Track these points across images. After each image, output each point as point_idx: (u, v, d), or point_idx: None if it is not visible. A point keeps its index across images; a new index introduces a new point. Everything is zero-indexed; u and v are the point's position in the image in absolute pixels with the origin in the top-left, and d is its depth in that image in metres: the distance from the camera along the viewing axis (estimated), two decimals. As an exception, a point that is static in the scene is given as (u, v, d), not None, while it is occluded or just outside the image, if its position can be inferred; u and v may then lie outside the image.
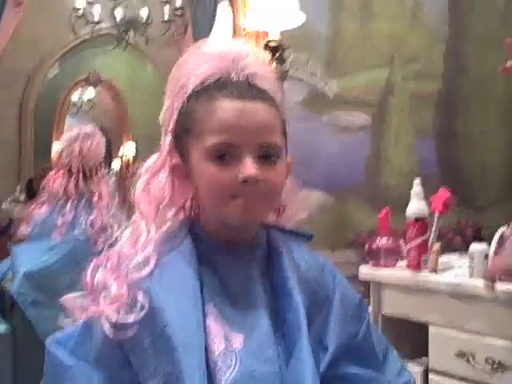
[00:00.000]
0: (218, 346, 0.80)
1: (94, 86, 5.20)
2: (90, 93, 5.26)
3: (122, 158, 5.56)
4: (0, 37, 4.44)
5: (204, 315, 0.83)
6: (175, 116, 0.91)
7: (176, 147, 0.91)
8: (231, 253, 0.90)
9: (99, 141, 2.47)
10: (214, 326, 0.82)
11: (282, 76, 2.55)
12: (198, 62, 0.91)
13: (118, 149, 5.71)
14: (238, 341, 0.82)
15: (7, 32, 4.52)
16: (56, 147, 2.51)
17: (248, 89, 0.88)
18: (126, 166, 5.33)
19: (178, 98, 0.91)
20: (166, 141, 0.93)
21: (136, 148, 5.72)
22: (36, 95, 4.66)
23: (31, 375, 1.76)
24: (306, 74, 2.96)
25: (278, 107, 0.92)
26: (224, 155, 0.85)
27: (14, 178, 4.66)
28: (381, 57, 2.96)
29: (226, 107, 0.86)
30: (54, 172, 2.40)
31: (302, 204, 1.00)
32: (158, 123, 0.96)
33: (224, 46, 0.93)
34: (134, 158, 5.47)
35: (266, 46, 2.69)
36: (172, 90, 0.93)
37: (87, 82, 5.12)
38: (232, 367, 0.79)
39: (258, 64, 0.93)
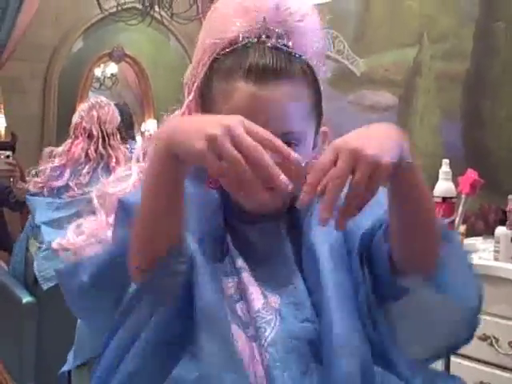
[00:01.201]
0: (256, 302, 0.78)
1: (118, 62, 5.19)
2: (113, 68, 5.26)
3: (143, 134, 5.57)
4: (25, 11, 4.45)
5: (235, 268, 0.81)
6: (198, 82, 0.87)
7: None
8: (256, 221, 0.86)
9: (114, 109, 2.58)
10: (251, 282, 0.79)
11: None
12: (232, 14, 0.85)
13: (140, 125, 5.73)
14: (274, 301, 0.80)
15: (32, 6, 4.53)
16: (74, 117, 2.55)
17: (276, 60, 0.80)
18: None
19: (203, 60, 0.87)
20: (185, 102, 0.91)
21: (158, 125, 5.73)
22: (60, 69, 4.67)
23: (54, 344, 1.78)
24: (333, 51, 2.92)
25: (312, 80, 0.84)
26: None
27: (38, 151, 4.70)
28: (409, 35, 2.91)
29: (243, 91, 0.79)
30: (72, 139, 2.46)
31: None
32: (180, 100, 0.94)
33: None
34: (156, 135, 5.46)
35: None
36: (201, 45, 0.88)
37: (111, 56, 5.11)
38: (272, 326, 0.76)
39: (300, 14, 0.84)
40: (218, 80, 0.84)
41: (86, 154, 2.41)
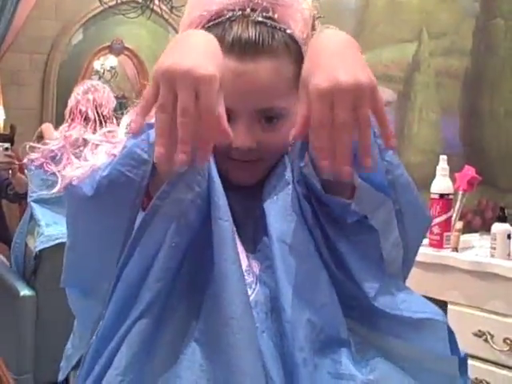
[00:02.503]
0: (242, 262, 0.77)
1: (117, 55, 5.19)
2: (112, 61, 5.26)
3: (142, 127, 5.56)
4: (24, 3, 4.44)
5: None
6: None
7: None
8: (241, 189, 0.86)
9: (108, 91, 2.57)
10: (238, 242, 0.79)
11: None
12: None
13: (139, 118, 5.71)
14: (254, 266, 0.80)
15: (32, -2, 4.53)
16: (70, 100, 2.53)
17: (259, 34, 0.80)
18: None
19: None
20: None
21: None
22: (59, 62, 4.67)
23: (52, 337, 1.79)
24: (332, 47, 2.92)
25: (296, 54, 0.84)
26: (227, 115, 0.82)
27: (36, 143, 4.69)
28: (409, 31, 2.91)
29: (224, 67, 0.76)
30: (69, 122, 2.45)
31: None
32: None
33: None
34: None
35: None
36: (188, 17, 0.88)
37: (110, 49, 5.11)
38: (253, 288, 0.77)
39: None
40: None
41: (84, 138, 2.39)
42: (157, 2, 3.83)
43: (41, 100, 4.68)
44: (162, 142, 0.64)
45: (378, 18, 3.04)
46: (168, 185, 0.73)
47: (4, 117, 4.34)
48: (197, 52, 0.67)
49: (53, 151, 2.39)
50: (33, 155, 2.38)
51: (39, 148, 2.41)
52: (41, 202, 2.32)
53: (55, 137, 2.47)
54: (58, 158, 2.36)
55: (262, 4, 0.84)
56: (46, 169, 2.33)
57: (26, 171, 2.48)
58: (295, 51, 0.85)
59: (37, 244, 2.24)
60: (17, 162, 2.83)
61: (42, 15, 4.56)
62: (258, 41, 0.81)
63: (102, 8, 4.17)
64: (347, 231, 0.79)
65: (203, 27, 0.84)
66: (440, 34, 2.82)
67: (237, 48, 0.80)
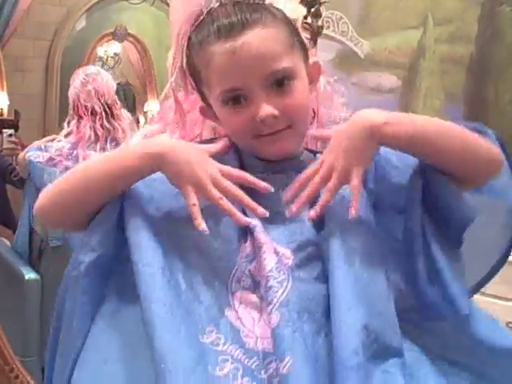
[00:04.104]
0: (269, 261, 0.77)
1: (121, 41, 5.17)
2: (115, 47, 5.24)
3: (146, 113, 5.57)
4: (28, -12, 4.43)
5: (250, 227, 0.82)
6: (179, 64, 0.90)
7: (199, 93, 0.91)
8: (275, 170, 0.88)
9: (106, 75, 2.53)
10: (264, 239, 0.80)
11: (317, 32, 2.51)
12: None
13: (143, 105, 5.72)
14: (287, 257, 0.80)
15: (35, -17, 4.51)
16: (70, 94, 2.50)
17: (240, 13, 0.82)
18: (150, 122, 5.34)
19: (179, 42, 0.89)
20: (168, 84, 0.94)
21: (160, 106, 5.72)
22: (63, 48, 4.66)
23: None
24: (337, 32, 2.91)
25: (282, 17, 0.86)
26: (238, 96, 0.83)
27: (39, 130, 4.69)
28: (414, 18, 2.89)
29: (217, 52, 0.82)
30: (76, 119, 2.42)
31: (336, 103, 0.98)
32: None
33: None
34: (159, 115, 5.48)
35: (302, 0, 2.65)
36: (173, 30, 0.92)
37: (114, 36, 5.10)
38: (285, 286, 0.76)
39: None
40: (196, 53, 0.86)
41: (95, 133, 2.38)
42: (161, -13, 3.82)
43: (44, 86, 4.68)
44: (296, 204, 0.82)
45: (383, 4, 3.03)
46: (76, 250, 0.83)
47: (8, 103, 4.34)
48: (351, 149, 0.81)
49: (65, 148, 2.38)
50: (43, 154, 2.37)
51: (51, 146, 2.40)
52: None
53: (65, 134, 2.45)
54: (73, 155, 2.36)
55: None
56: (65, 164, 2.32)
57: (29, 166, 2.44)
58: (281, 16, 0.86)
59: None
60: (21, 148, 2.83)
61: (46, 1, 4.55)
62: (241, 17, 0.82)
63: (105, -6, 4.16)
64: (446, 244, 0.82)
65: (190, 32, 0.87)
66: (445, 20, 2.81)
67: (223, 31, 0.82)
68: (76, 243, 0.87)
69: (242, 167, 0.88)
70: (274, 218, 0.83)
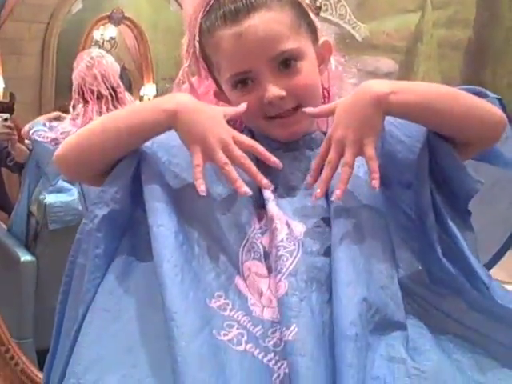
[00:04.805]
0: (280, 231, 0.79)
1: (117, 24, 5.13)
2: (112, 31, 5.20)
3: (142, 98, 5.54)
4: (23, -30, 4.38)
5: (262, 200, 0.84)
6: (193, 50, 0.94)
7: (212, 77, 0.93)
8: (288, 148, 0.90)
9: (110, 58, 2.53)
10: (276, 211, 0.82)
11: (315, 12, 2.50)
12: None
13: (139, 90, 5.69)
14: (298, 230, 0.82)
15: (30, -35, 4.46)
16: (74, 78, 2.48)
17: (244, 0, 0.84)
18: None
19: (191, 27, 0.92)
20: (182, 69, 0.97)
21: (156, 90, 5.70)
22: (59, 31, 4.62)
23: (52, 302, 1.80)
24: (335, 15, 2.90)
25: (286, 0, 0.88)
26: (246, 79, 0.86)
27: (35, 114, 4.67)
28: (412, 1, 2.89)
29: (225, 37, 0.85)
30: (83, 103, 2.41)
31: (346, 83, 0.99)
32: (179, 64, 0.98)
33: None
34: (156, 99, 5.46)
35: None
36: (186, 14, 0.95)
37: (110, 19, 5.05)
38: (294, 256, 0.78)
39: None
40: (206, 39, 0.90)
41: (100, 116, 2.38)
42: (157, -30, 3.78)
43: (40, 69, 4.64)
44: (320, 184, 0.82)
45: (381, -13, 3.02)
46: (91, 204, 0.86)
47: (3, 85, 4.32)
48: (362, 120, 0.81)
49: (72, 132, 2.36)
50: (48, 133, 2.35)
51: (56, 127, 2.39)
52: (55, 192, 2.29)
53: (71, 117, 2.44)
54: None
55: None
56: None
57: (33, 145, 2.42)
58: (287, 7, 0.88)
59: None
60: (16, 133, 2.82)
61: (42, -17, 4.51)
62: (246, 2, 0.85)
63: (101, -24, 4.12)
64: (457, 216, 0.84)
65: (201, 18, 0.89)
66: (444, 3, 2.80)
67: (229, 16, 0.85)
68: (92, 198, 0.88)
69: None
70: (288, 193, 0.86)
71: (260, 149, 0.83)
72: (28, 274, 2.18)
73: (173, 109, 0.83)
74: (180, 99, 0.85)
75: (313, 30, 0.92)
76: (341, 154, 0.81)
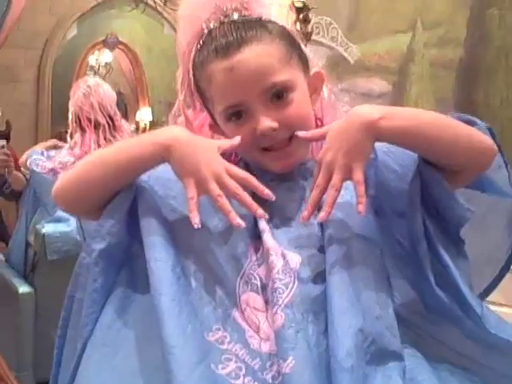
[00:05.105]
0: (276, 263, 0.79)
1: (112, 49, 5.17)
2: (107, 56, 5.24)
3: (138, 123, 5.56)
4: (18, -2, 4.42)
5: (258, 231, 0.84)
6: (187, 83, 0.94)
7: (208, 111, 0.94)
8: (283, 179, 0.90)
9: (107, 87, 2.53)
10: (272, 243, 0.82)
11: (306, 37, 2.52)
12: (190, 19, 0.92)
13: (135, 114, 5.71)
14: (294, 261, 0.82)
15: (25, -7, 4.50)
16: (71, 107, 2.49)
17: (236, 32, 0.86)
18: (142, 131, 5.33)
19: (185, 60, 0.93)
20: (177, 102, 0.98)
21: (152, 113, 5.72)
22: (54, 57, 4.65)
23: (51, 334, 1.80)
24: (327, 38, 2.92)
25: (278, 32, 0.89)
26: (239, 112, 0.87)
27: (31, 141, 4.68)
28: (403, 22, 2.90)
29: (217, 71, 0.86)
30: (80, 132, 2.41)
31: (340, 112, 0.99)
32: (173, 87, 0.99)
33: None
34: (151, 123, 5.48)
35: (291, 7, 2.65)
36: (180, 48, 0.94)
37: (105, 44, 5.09)
38: (290, 288, 0.78)
39: None
40: (199, 73, 0.90)
41: (98, 146, 2.39)
42: (150, -5, 3.83)
43: (36, 96, 4.67)
44: (308, 207, 0.83)
45: (372, 9, 3.04)
46: (89, 238, 0.86)
47: (0, 113, 4.33)
48: (351, 146, 0.82)
49: (69, 161, 2.37)
50: (45, 163, 2.36)
51: (54, 156, 2.39)
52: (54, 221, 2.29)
53: (68, 147, 2.44)
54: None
55: (232, 8, 0.89)
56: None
57: (31, 174, 2.42)
58: (277, 30, 0.89)
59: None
60: (12, 160, 2.82)
61: (37, 10, 4.54)
62: (237, 36, 0.86)
63: (96, 2, 4.16)
64: (449, 244, 0.84)
65: (195, 51, 0.90)
66: (434, 24, 2.81)
67: (220, 51, 0.86)
68: (89, 231, 0.89)
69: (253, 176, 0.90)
70: (283, 223, 0.86)
71: (253, 181, 0.83)
72: (26, 305, 2.17)
73: (166, 142, 0.84)
74: (174, 133, 0.86)
75: (304, 61, 0.93)
76: (330, 178, 0.81)
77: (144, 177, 0.89)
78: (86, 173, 0.89)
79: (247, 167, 0.93)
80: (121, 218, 0.86)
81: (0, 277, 2.34)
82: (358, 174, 0.79)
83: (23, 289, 2.19)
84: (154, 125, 5.43)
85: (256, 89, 0.85)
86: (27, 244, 2.37)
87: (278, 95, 0.86)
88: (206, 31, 0.89)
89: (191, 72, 0.93)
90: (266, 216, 0.82)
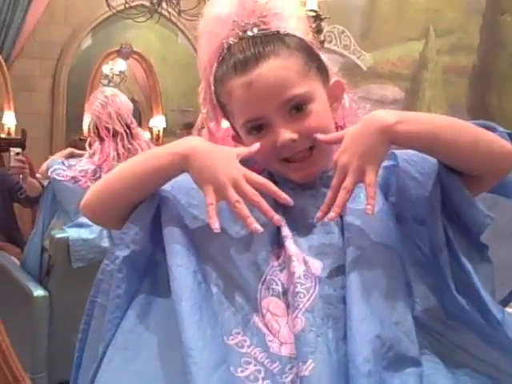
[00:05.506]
0: (297, 269, 0.80)
1: (126, 58, 5.22)
2: (121, 65, 5.29)
3: (152, 130, 5.60)
4: (34, 9, 4.49)
5: (280, 238, 0.85)
6: (210, 98, 0.95)
7: (230, 124, 0.96)
8: (306, 187, 0.91)
9: (121, 96, 2.56)
10: (294, 249, 0.82)
11: (319, 47, 2.54)
12: (213, 27, 0.92)
13: (148, 121, 5.76)
14: (316, 267, 0.82)
15: (41, 4, 4.57)
16: (88, 122, 2.53)
17: (254, 47, 0.87)
18: (156, 139, 5.37)
19: (206, 76, 0.94)
20: (200, 115, 0.99)
21: (166, 121, 5.77)
22: (69, 67, 4.70)
23: (66, 337, 1.81)
24: (340, 46, 2.94)
25: (296, 45, 0.89)
26: (260, 125, 0.87)
27: (46, 148, 4.73)
28: (416, 30, 2.92)
29: (236, 86, 0.87)
30: (99, 141, 2.44)
31: (361, 120, 0.99)
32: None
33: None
34: (165, 130, 5.52)
35: (308, 17, 2.67)
36: (201, 63, 0.95)
37: (119, 53, 5.14)
38: (311, 292, 0.78)
39: (268, 3, 0.90)
40: (219, 88, 0.91)
41: (117, 153, 2.42)
42: (165, 5, 3.86)
43: (51, 105, 4.72)
44: (323, 207, 0.83)
45: (385, 17, 3.06)
46: (113, 246, 0.87)
47: (15, 122, 4.38)
48: (366, 149, 0.82)
49: (90, 170, 2.40)
50: (66, 172, 2.39)
51: (74, 165, 2.43)
52: (76, 226, 2.32)
53: (88, 155, 2.47)
54: (96, 176, 2.38)
55: (250, 23, 0.90)
56: (89, 185, 2.34)
57: (53, 183, 2.45)
58: (295, 43, 0.89)
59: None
60: (28, 167, 2.86)
61: (52, 21, 4.61)
62: (254, 51, 0.87)
63: (110, 13, 4.19)
64: (468, 258, 0.83)
65: (215, 67, 0.92)
66: (447, 31, 2.83)
67: (239, 67, 0.87)
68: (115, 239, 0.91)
69: (275, 184, 0.89)
70: (305, 231, 0.86)
71: (272, 187, 0.83)
72: (41, 308, 2.18)
73: (184, 152, 0.85)
74: (191, 143, 0.88)
75: (323, 71, 0.91)
76: (343, 179, 0.81)
77: (167, 187, 0.90)
78: (108, 185, 0.91)
79: (270, 176, 0.93)
80: (144, 226, 0.87)
81: (15, 281, 2.35)
82: (370, 177, 0.79)
83: (38, 292, 2.20)
84: (167, 132, 5.46)
85: (274, 102, 0.85)
86: (43, 249, 2.39)
87: (297, 107, 0.86)
88: (225, 47, 0.90)
89: (212, 87, 0.94)
90: (283, 223, 0.83)
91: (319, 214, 0.82)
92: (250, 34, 0.89)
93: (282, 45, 0.87)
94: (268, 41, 0.87)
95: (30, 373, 2.08)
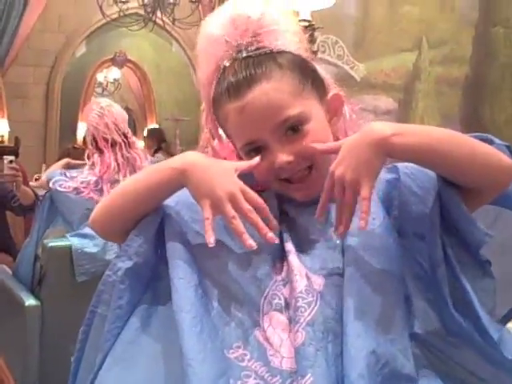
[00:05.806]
0: (300, 283, 0.80)
1: (120, 67, 5.23)
2: (115, 73, 5.30)
3: (145, 138, 5.60)
4: (28, 16, 4.49)
5: (282, 253, 0.85)
6: (211, 118, 0.96)
7: (232, 143, 0.95)
8: (308, 203, 0.90)
9: (118, 108, 2.57)
10: (297, 264, 0.83)
11: (312, 57, 2.55)
12: (207, 49, 0.92)
13: (142, 130, 5.76)
14: (318, 283, 0.82)
15: (35, 12, 4.57)
16: (83, 133, 2.53)
17: (245, 70, 0.86)
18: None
19: (205, 97, 0.95)
20: (202, 135, 1.01)
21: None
22: (63, 74, 4.70)
23: (58, 347, 1.80)
24: (333, 56, 2.95)
25: (289, 63, 0.88)
26: (258, 148, 0.87)
27: (40, 156, 4.72)
28: (409, 40, 2.93)
29: (230, 111, 0.87)
30: (98, 153, 2.44)
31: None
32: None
33: (223, 20, 0.91)
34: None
35: (303, 30, 2.68)
36: (199, 84, 0.96)
37: (113, 62, 5.16)
38: (312, 307, 0.79)
39: (259, 13, 0.90)
40: (217, 111, 0.92)
41: (117, 163, 2.42)
42: (159, 14, 3.86)
43: (45, 113, 4.71)
44: (317, 214, 0.85)
45: (378, 28, 3.07)
46: (115, 257, 0.88)
47: (9, 129, 4.37)
48: (361, 162, 0.82)
49: (91, 181, 2.40)
50: (68, 183, 2.39)
51: (75, 177, 2.43)
52: (79, 236, 2.32)
53: (88, 165, 2.48)
54: (99, 187, 2.38)
55: (244, 43, 0.89)
56: (91, 196, 2.35)
57: (54, 195, 2.45)
58: (289, 61, 0.88)
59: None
60: (21, 175, 2.85)
61: (46, 28, 4.61)
62: (246, 75, 0.86)
63: (104, 21, 4.20)
64: (469, 274, 0.83)
65: (213, 86, 0.91)
66: (440, 42, 2.84)
67: (232, 92, 0.87)
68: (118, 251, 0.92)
69: (281, 200, 0.91)
70: (308, 246, 0.87)
71: (264, 211, 0.83)
72: (33, 318, 2.17)
73: (182, 167, 0.86)
74: (190, 157, 0.88)
75: (318, 86, 0.90)
76: (339, 190, 0.82)
77: (171, 202, 0.91)
78: (114, 201, 0.93)
79: (276, 192, 0.94)
80: (148, 238, 0.88)
81: (7, 290, 2.35)
82: (365, 190, 0.79)
83: (30, 302, 2.19)
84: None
85: (268, 125, 0.85)
86: (36, 258, 2.39)
87: (293, 128, 0.86)
88: (221, 68, 0.90)
89: (212, 109, 0.94)
90: (277, 240, 0.82)
91: (339, 229, 0.82)
92: (243, 54, 0.88)
93: (275, 65, 0.87)
94: (259, 62, 0.87)
95: (22, 383, 2.07)
